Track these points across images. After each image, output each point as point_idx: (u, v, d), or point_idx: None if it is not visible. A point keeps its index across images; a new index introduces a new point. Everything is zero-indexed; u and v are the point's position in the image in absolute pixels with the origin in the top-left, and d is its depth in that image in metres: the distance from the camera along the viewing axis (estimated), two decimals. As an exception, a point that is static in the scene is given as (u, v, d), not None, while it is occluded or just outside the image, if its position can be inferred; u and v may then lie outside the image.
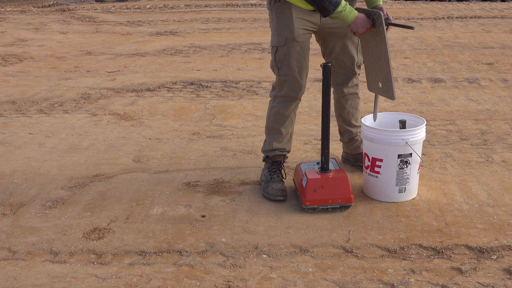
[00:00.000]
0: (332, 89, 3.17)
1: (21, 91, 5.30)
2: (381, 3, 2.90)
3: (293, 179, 3.08)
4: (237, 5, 11.99)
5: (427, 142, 3.58)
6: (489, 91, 4.90)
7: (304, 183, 2.80)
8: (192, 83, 5.41)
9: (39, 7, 13.38)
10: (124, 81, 5.56)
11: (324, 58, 3.11)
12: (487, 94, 4.81)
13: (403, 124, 2.88)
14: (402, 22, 8.71)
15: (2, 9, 13.30)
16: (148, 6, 12.12)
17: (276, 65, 2.92)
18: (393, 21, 2.83)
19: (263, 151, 3.14)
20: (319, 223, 2.67)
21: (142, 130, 4.12)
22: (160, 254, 2.44)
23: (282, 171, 3.07)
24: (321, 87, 2.76)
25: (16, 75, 5.98)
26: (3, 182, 3.23)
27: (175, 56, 6.81)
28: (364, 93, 3.97)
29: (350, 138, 3.27)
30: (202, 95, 5.05)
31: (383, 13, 2.75)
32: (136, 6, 12.26)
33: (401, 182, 2.82)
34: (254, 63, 6.25)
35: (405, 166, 2.80)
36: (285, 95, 2.97)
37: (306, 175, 2.82)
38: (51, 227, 2.69)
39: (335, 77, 3.11)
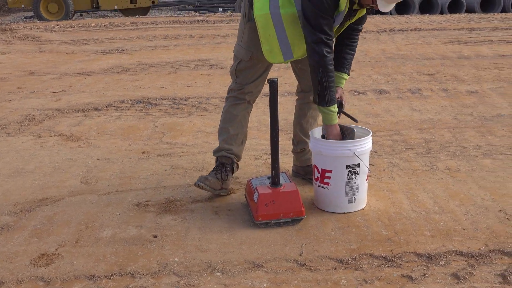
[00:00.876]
0: (296, 97, 3.28)
1: (-39, 115, 5.10)
2: (342, 85, 3.04)
3: (245, 194, 3.08)
4: (183, 22, 11.99)
5: (374, 153, 3.67)
6: (431, 101, 5.07)
7: (255, 198, 2.81)
8: (140, 101, 5.36)
9: (-21, 27, 12.96)
10: (70, 101, 5.45)
11: (291, 64, 3.18)
12: (430, 104, 4.98)
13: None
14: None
15: None
16: (93, 24, 11.96)
17: (236, 73, 3.06)
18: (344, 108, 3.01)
19: (213, 152, 3.22)
20: (272, 237, 2.68)
21: (90, 150, 4.04)
22: (112, 277, 2.39)
23: (224, 174, 3.09)
24: (269, 102, 2.79)
25: (-45, 98, 5.76)
26: None
27: (122, 74, 6.73)
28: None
29: (302, 149, 3.32)
30: (150, 113, 5.00)
31: (340, 96, 2.96)
32: (81, 25, 12.07)
33: (351, 192, 2.87)
34: (203, 80, 6.25)
35: (354, 177, 2.85)
36: (235, 96, 3.11)
37: (257, 190, 2.83)
38: (-4, 255, 2.59)
39: (303, 83, 3.20)
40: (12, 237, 2.77)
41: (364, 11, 2.93)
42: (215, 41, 9.20)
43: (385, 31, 9.54)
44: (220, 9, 16.51)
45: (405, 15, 12.63)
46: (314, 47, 2.72)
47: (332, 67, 2.78)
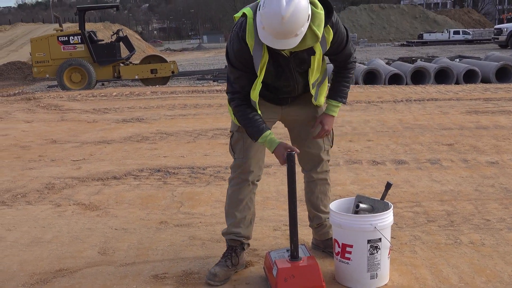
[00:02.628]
0: (302, 174, 3.24)
1: (-17, 183, 5.17)
2: (334, 113, 3.02)
3: (264, 267, 3.02)
4: (202, 91, 12.24)
5: (395, 225, 3.60)
6: (451, 171, 5.03)
7: (274, 273, 2.75)
8: (159, 170, 5.39)
9: (4, 96, 13.38)
10: (89, 170, 5.50)
11: (291, 143, 3.17)
12: (450, 174, 4.93)
13: (357, 207, 2.92)
14: (361, 111, 9.02)
15: (-35, 99, 13.23)
16: (114, 94, 12.26)
17: (232, 149, 3.06)
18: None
19: (222, 233, 3.17)
20: (292, 314, 2.60)
21: (108, 220, 4.04)
22: None
23: (234, 259, 3.04)
24: (287, 175, 2.79)
25: (-22, 166, 5.86)
26: (-41, 281, 3.07)
27: (141, 143, 6.82)
28: (334, 178, 4.01)
29: (319, 224, 3.27)
30: (169, 182, 5.02)
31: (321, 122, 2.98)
32: (103, 94, 12.38)
33: (372, 268, 2.80)
34: (221, 149, 6.30)
35: (375, 252, 2.79)
36: (237, 177, 3.06)
37: (276, 264, 2.77)
38: (10, 330, 2.54)
39: (303, 163, 3.17)
40: (27, 310, 2.73)
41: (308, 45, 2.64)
42: (233, 110, 9.32)
43: (402, 100, 9.62)
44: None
45: (421, 85, 12.77)
46: (227, 96, 2.89)
47: (243, 107, 2.81)
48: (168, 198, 4.53)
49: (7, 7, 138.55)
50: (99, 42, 18.07)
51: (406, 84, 13.57)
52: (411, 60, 19.00)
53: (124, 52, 18.27)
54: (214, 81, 17.59)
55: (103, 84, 18.27)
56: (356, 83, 13.82)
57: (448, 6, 78.23)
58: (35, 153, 6.45)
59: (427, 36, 43.89)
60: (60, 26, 20.09)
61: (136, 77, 17.34)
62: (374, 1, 67.47)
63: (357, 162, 5.46)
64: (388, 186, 2.93)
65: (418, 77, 14.11)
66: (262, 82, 2.80)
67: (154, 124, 8.13)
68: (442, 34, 44.43)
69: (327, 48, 2.77)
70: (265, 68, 2.73)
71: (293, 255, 2.80)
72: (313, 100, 2.99)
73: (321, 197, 3.22)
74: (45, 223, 4.01)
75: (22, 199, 4.63)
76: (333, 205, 2.96)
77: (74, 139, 7.22)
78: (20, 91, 15.93)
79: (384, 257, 2.82)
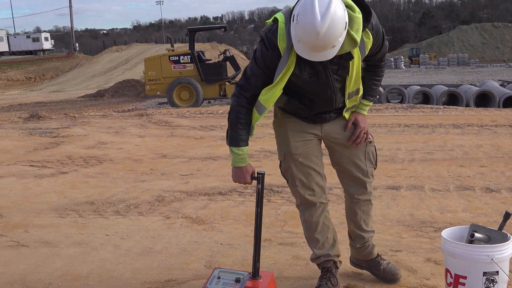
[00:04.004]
0: (344, 194, 3.15)
1: (99, 192, 5.52)
2: (364, 112, 2.93)
3: None
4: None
5: (512, 258, 3.36)
6: None
7: None
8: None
9: (119, 112, 14.25)
10: (197, 185, 5.69)
11: (332, 166, 3.09)
12: None
13: (472, 236, 2.76)
14: (467, 133, 8.61)
15: (85, 113, 14.26)
16: (220, 111, 12.63)
17: (285, 177, 2.99)
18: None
19: (311, 259, 3.11)
20: None
21: (214, 234, 4.14)
22: None
23: (334, 278, 2.99)
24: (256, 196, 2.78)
25: (96, 177, 6.26)
26: (78, 284, 3.28)
27: (246, 160, 6.93)
28: (444, 205, 3.82)
29: (363, 244, 3.16)
30: (273, 200, 5.06)
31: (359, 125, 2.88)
32: (209, 111, 12.81)
33: (488, 302, 2.63)
34: (326, 169, 6.25)
35: (492, 285, 2.62)
36: (302, 204, 2.98)
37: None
38: (123, 334, 2.66)
39: (346, 186, 3.08)
40: (139, 316, 2.85)
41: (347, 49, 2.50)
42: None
43: (518, 125, 9.05)
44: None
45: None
46: (234, 88, 2.76)
47: (242, 110, 2.71)
48: (272, 216, 4.56)
49: (124, 28, 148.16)
50: (207, 62, 18.77)
51: (523, 107, 12.77)
52: (528, 82, 17.87)
53: (230, 71, 18.82)
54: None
55: (209, 102, 18.91)
56: (467, 105, 13.22)
57: None
58: (147, 166, 6.78)
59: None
60: (172, 46, 21.14)
61: (241, 95, 17.74)
62: (486, 20, 64.47)
63: (469, 188, 5.18)
64: (507, 215, 2.75)
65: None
66: (296, 93, 2.73)
67: (258, 142, 8.26)
68: None
69: (366, 52, 2.63)
70: (299, 76, 2.61)
71: (256, 274, 2.79)
72: (344, 111, 2.85)
73: (364, 217, 3.11)
74: (155, 234, 4.19)
75: (135, 209, 4.88)
76: (445, 233, 2.83)
77: (182, 154, 7.52)
78: (134, 107, 16.90)
79: (501, 291, 2.64)
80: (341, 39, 2.35)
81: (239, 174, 2.77)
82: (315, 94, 2.73)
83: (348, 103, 2.82)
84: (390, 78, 28.90)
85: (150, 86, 18.41)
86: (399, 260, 3.49)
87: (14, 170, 6.71)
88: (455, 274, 2.69)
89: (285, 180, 3.01)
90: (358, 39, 2.42)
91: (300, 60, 2.55)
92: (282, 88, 2.65)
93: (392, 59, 45.53)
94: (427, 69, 42.16)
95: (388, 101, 15.92)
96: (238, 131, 2.72)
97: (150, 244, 3.97)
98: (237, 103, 2.73)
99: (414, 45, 62.85)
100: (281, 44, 2.53)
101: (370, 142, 3.00)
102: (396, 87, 16.27)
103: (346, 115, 2.89)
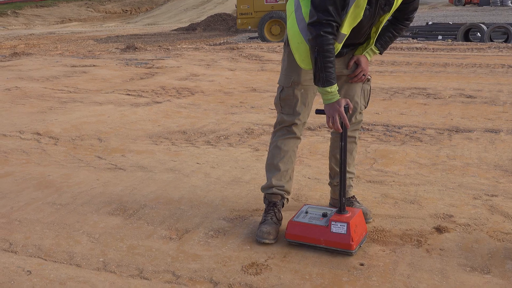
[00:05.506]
0: (331, 130, 3.12)
1: (191, 123, 5.66)
2: (369, 57, 2.98)
3: (289, 234, 2.91)
4: (401, 48, 11.79)
5: None
6: None
7: (340, 230, 2.78)
8: (360, 128, 5.34)
9: (211, 45, 14.39)
10: (286, 119, 5.68)
11: None
12: None
13: None
14: None
15: (179, 46, 14.54)
16: (311, 47, 12.40)
17: (280, 104, 2.98)
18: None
19: (261, 188, 3.12)
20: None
21: (301, 168, 4.15)
22: (316, 298, 2.38)
23: (279, 213, 3.02)
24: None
25: (188, 107, 6.42)
26: (171, 207, 3.43)
27: (336, 97, 6.81)
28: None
29: (338, 181, 3.06)
30: (363, 138, 4.96)
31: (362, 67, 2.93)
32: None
33: None
34: (418, 108, 6.03)
35: None
36: (283, 129, 3.00)
37: (336, 221, 2.83)
38: (212, 256, 2.77)
39: None
40: (227, 241, 2.95)
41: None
42: (433, 70, 8.85)
43: None
44: (440, 37, 15.87)
45: None
46: (310, 28, 2.61)
47: (329, 48, 2.60)
48: (361, 154, 4.49)
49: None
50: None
51: None
52: None
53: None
54: (413, 38, 16.79)
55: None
56: None
57: None
58: (237, 99, 6.85)
59: None
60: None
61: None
62: None
63: None
64: None
65: None
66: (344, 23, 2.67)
67: (349, 79, 8.06)
68: None
69: None
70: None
71: (343, 209, 2.82)
72: (371, 44, 2.91)
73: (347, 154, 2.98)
74: (244, 164, 4.27)
75: (225, 140, 4.98)
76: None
77: (272, 89, 7.51)
78: (225, 41, 16.97)
79: None
80: None
81: (335, 107, 2.72)
82: (359, 25, 2.70)
83: (371, 41, 2.90)
84: (494, 16, 26.91)
85: (242, 20, 18.36)
86: (494, 205, 3.33)
87: (112, 98, 7.03)
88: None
89: (278, 108, 3.02)
90: None
91: None
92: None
93: (498, -5, 42.10)
94: (538, 7, 38.63)
95: (492, 40, 14.89)
96: (329, 70, 2.66)
97: (239, 174, 4.05)
98: (323, 42, 2.61)
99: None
100: None
101: (368, 80, 3.08)
102: (502, 25, 15.12)
103: (359, 52, 2.95)
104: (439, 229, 3.02)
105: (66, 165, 4.34)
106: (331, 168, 3.25)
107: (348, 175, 3.16)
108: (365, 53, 2.96)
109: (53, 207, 3.47)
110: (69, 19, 40.78)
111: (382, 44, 2.98)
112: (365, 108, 3.15)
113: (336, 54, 2.72)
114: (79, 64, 10.50)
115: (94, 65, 10.24)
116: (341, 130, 2.72)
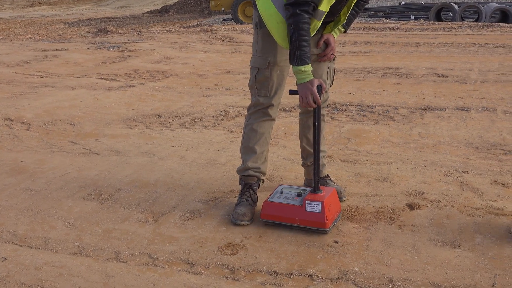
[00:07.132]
0: (299, 111, 3.22)
1: (166, 106, 5.64)
2: (335, 35, 3.04)
3: (263, 214, 2.98)
4: (374, 29, 11.85)
5: None
6: None
7: (314, 208, 2.86)
8: (327, 106, 5.38)
9: (184, 27, 14.25)
10: (260, 101, 5.69)
11: None
12: None
13: None
14: None
15: (151, 28, 14.36)
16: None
17: (256, 86, 2.97)
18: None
19: (237, 171, 3.15)
20: (461, 262, 2.50)
21: (276, 149, 4.18)
22: (292, 276, 2.42)
23: (255, 195, 3.07)
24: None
25: (162, 90, 6.38)
26: (147, 190, 3.43)
27: (310, 78, 6.84)
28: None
29: (312, 161, 3.14)
30: (337, 118, 5.01)
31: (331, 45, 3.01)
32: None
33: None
34: (391, 88, 6.10)
35: None
36: (259, 112, 3.02)
37: (310, 200, 2.83)
38: (189, 238, 2.79)
39: None
40: (203, 223, 2.97)
41: None
42: (405, 49, 8.93)
43: None
44: (412, 17, 15.99)
45: None
46: (288, 7, 2.63)
47: (305, 26, 2.62)
48: (335, 134, 4.53)
49: None
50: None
51: None
52: None
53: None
54: (386, 18, 16.88)
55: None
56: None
57: None
58: (211, 81, 6.83)
59: None
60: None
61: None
62: None
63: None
64: None
65: None
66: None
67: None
68: None
69: None
70: None
71: (316, 188, 2.84)
72: (342, 21, 2.97)
73: None
74: (219, 146, 4.28)
75: (200, 123, 4.97)
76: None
77: (246, 71, 7.49)
78: (198, 23, 16.83)
79: None
80: None
81: (307, 86, 2.72)
82: (336, 1, 2.75)
83: (342, 18, 2.95)
84: (466, -5, 27.16)
85: (215, 2, 18.20)
86: (465, 181, 3.41)
87: (85, 82, 6.94)
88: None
89: (253, 90, 3.00)
90: None
91: None
92: None
93: (469, -26, 42.52)
94: (508, -14, 39.11)
95: (463, 20, 15.05)
96: (304, 49, 2.67)
97: (215, 156, 4.06)
98: (298, 21, 2.64)
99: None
100: None
101: (334, 59, 3.14)
102: (473, 5, 15.29)
103: (327, 30, 3.00)
104: (411, 206, 3.09)
105: (39, 151, 4.29)
106: (303, 149, 3.28)
107: (320, 154, 3.19)
108: (332, 32, 3.01)
109: (27, 193, 3.44)
110: (39, 2, 39.92)
111: (347, 22, 3.04)
112: (331, 86, 3.21)
113: (315, 32, 2.76)
114: (50, 48, 10.31)
115: (65, 49, 10.08)
116: (314, 106, 2.74)
